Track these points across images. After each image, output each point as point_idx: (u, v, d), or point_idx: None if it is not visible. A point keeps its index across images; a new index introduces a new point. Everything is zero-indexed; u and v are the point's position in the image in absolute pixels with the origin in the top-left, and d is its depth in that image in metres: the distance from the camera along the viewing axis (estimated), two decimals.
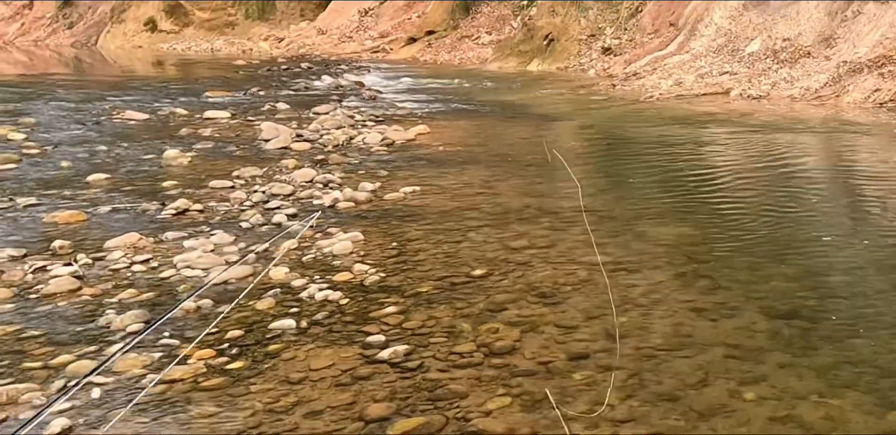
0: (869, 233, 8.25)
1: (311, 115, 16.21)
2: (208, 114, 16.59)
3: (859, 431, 4.51)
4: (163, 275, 7.14)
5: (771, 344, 5.57)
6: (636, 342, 5.59)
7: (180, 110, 17.36)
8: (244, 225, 8.67)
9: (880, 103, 16.75)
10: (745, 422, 4.61)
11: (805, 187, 10.15)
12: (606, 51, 26.12)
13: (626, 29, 27.12)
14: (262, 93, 20.61)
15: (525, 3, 30.78)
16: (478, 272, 7.02)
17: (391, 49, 33.12)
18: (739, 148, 13.09)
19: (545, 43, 27.69)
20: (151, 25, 45.77)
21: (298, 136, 13.72)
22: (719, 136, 13.97)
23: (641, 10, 27.27)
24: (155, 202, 9.60)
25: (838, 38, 20.43)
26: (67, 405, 4.76)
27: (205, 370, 5.23)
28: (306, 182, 10.55)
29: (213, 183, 10.52)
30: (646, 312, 6.10)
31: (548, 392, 4.81)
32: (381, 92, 21.00)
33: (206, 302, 6.38)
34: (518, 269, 7.12)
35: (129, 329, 5.84)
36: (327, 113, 16.10)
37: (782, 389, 4.94)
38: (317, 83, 22.90)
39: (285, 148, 12.95)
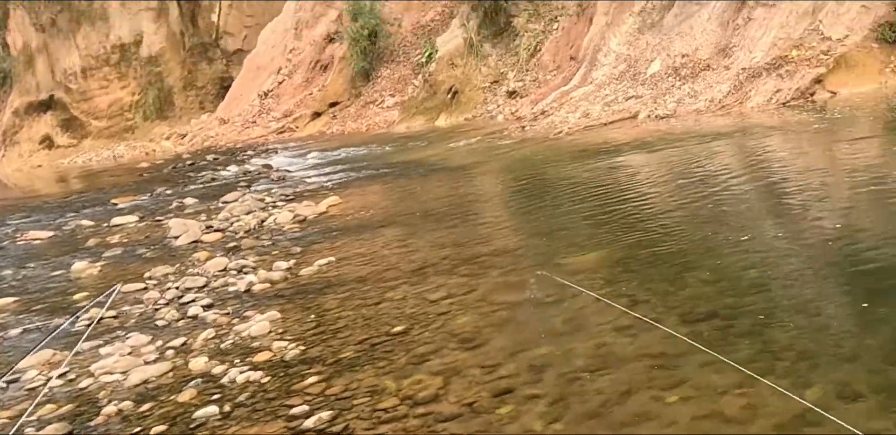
0: (784, 227, 8.68)
1: (219, 205, 16.42)
2: (115, 221, 16.70)
3: (779, 414, 4.79)
4: (81, 385, 7.25)
5: (692, 347, 5.83)
6: (559, 369, 5.83)
7: (86, 222, 17.44)
8: (160, 323, 8.82)
9: (783, 103, 17.50)
10: (669, 424, 4.86)
11: (720, 195, 10.54)
12: (512, 94, 26.85)
13: (527, 70, 27.94)
14: (168, 191, 20.78)
15: (424, 60, 31.56)
16: (398, 329, 7.25)
17: (297, 127, 33.61)
18: (651, 167, 13.58)
19: (449, 96, 28.38)
20: (48, 142, 45.78)
21: (208, 227, 13.90)
22: (630, 160, 14.49)
23: (540, 50, 28.15)
24: (67, 316, 9.66)
25: (734, 47, 21.34)
26: None
27: None
28: (220, 271, 10.73)
29: (125, 287, 10.60)
30: (568, 339, 6.35)
31: None
32: (289, 171, 21.32)
33: (128, 404, 6.51)
34: (438, 319, 7.36)
35: None
36: (236, 200, 16.33)
37: (703, 388, 5.21)
38: (224, 173, 23.16)
39: (196, 242, 13.12)
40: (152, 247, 13.50)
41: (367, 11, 32.62)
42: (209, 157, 29.35)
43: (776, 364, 5.37)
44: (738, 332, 6.00)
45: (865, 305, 6.09)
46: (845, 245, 7.56)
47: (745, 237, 8.39)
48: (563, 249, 9.19)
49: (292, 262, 10.60)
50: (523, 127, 21.50)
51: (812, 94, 17.72)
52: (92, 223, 17.23)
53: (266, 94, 37.11)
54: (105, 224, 16.72)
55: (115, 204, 20.14)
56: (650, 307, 6.76)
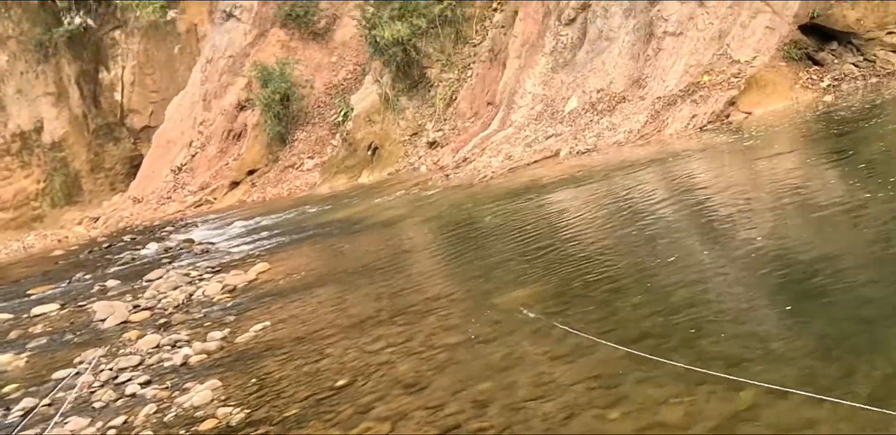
0: (710, 245, 9.18)
1: (144, 283, 16.53)
2: (35, 311, 16.65)
3: (716, 417, 5.18)
4: None
5: (628, 367, 6.24)
6: (503, 401, 6.17)
7: (4, 315, 17.31)
8: (97, 405, 8.94)
9: (700, 127, 18.33)
10: None
11: (647, 221, 11.06)
12: (433, 145, 27.47)
13: (446, 119, 28.64)
14: (87, 276, 20.75)
15: (340, 119, 32.14)
16: (341, 383, 7.54)
17: (215, 199, 33.84)
18: (577, 201, 14.11)
19: (370, 153, 28.91)
20: None
21: (135, 307, 14.02)
22: (555, 196, 15.03)
23: (456, 98, 28.91)
24: None
25: (648, 78, 22.26)
26: None
27: None
28: (153, 348, 10.89)
29: (56, 374, 10.69)
30: (509, 372, 6.70)
31: None
32: (213, 243, 21.48)
33: None
34: (380, 369, 7.67)
35: None
36: (160, 277, 16.46)
37: (643, 402, 5.59)
38: (144, 252, 23.22)
39: (124, 322, 13.23)
40: (79, 332, 13.55)
41: (277, 76, 33.22)
42: (126, 238, 29.30)
43: (709, 373, 5.76)
44: (670, 347, 6.41)
45: (788, 307, 6.58)
46: (768, 255, 8.07)
47: (672, 258, 8.88)
48: (496, 288, 9.57)
49: (227, 331, 10.83)
50: (447, 176, 22.04)
51: (727, 117, 18.61)
52: (11, 316, 17.13)
53: (180, 169, 37.29)
54: (25, 315, 16.65)
55: (33, 294, 20.03)
56: (585, 335, 7.15)
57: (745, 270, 7.88)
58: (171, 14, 40.28)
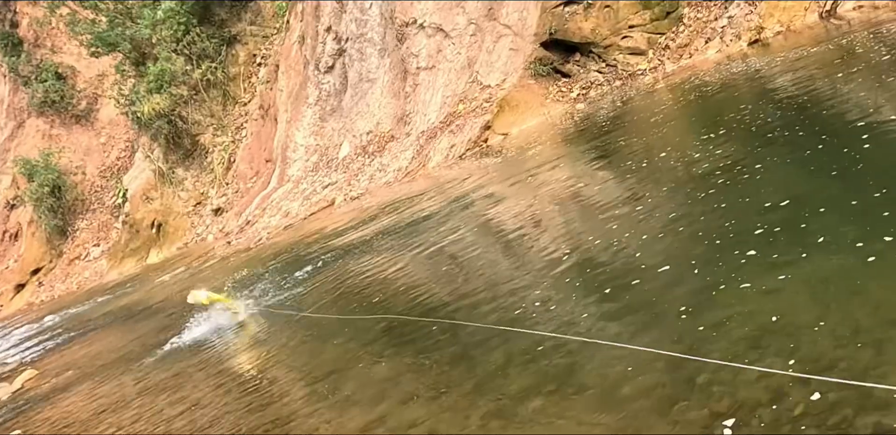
0: (453, 267, 9.95)
1: None
2: None
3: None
4: None
5: (384, 388, 6.90)
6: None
7: None
8: None
9: (460, 156, 19.35)
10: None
11: (414, 256, 11.74)
12: (218, 211, 27.77)
13: (227, 183, 28.98)
14: None
15: (119, 201, 32.05)
16: None
17: (1, 306, 33.13)
18: (341, 250, 14.69)
19: (154, 231, 28.97)
20: None
21: None
22: (319, 249, 15.63)
23: (235, 160, 29.30)
24: None
25: (411, 113, 23.30)
26: None
27: None
28: None
29: None
30: (293, 413, 7.31)
31: None
32: None
33: None
34: None
35: None
36: None
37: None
38: None
39: None
40: None
41: (43, 168, 32.81)
42: None
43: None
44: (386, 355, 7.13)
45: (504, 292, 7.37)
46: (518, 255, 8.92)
47: (423, 286, 9.64)
48: (234, 352, 10.17)
49: None
50: (229, 242, 22.45)
51: (486, 141, 19.71)
52: None
53: None
54: None
55: None
56: (351, 368, 7.87)
57: (489, 271, 8.71)
58: None
